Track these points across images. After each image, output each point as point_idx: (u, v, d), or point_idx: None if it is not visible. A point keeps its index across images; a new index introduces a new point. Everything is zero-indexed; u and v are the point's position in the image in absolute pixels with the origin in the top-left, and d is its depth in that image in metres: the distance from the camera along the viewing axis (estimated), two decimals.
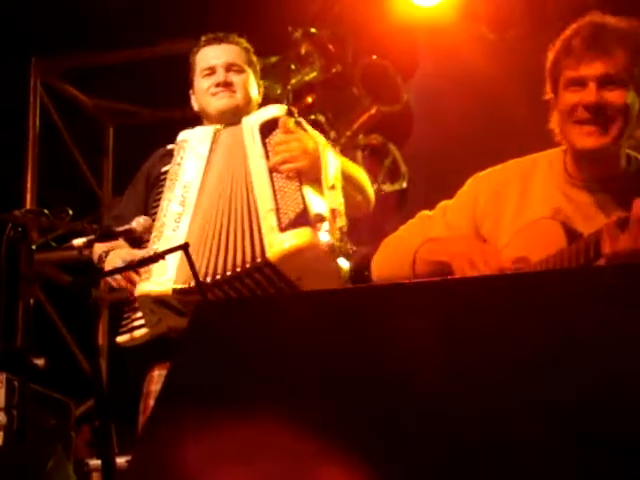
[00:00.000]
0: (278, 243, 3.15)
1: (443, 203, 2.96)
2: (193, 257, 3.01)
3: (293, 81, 6.30)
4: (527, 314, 1.66)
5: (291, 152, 3.31)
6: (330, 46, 6.28)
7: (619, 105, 2.64)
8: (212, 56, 3.63)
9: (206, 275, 3.23)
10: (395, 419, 1.64)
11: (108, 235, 3.36)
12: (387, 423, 1.64)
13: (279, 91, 6.25)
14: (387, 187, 6.37)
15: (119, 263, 3.33)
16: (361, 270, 3.31)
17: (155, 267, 3.24)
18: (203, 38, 3.70)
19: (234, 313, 1.87)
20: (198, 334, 1.84)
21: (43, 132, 6.81)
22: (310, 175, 3.29)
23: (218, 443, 1.69)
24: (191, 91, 3.70)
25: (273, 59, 6.21)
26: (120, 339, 3.39)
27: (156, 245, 3.33)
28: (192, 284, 3.17)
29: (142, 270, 3.28)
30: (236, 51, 3.65)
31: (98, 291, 6.80)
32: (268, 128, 3.43)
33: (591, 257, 2.48)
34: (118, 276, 3.36)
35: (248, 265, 3.19)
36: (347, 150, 6.09)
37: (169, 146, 3.65)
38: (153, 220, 3.38)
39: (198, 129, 3.64)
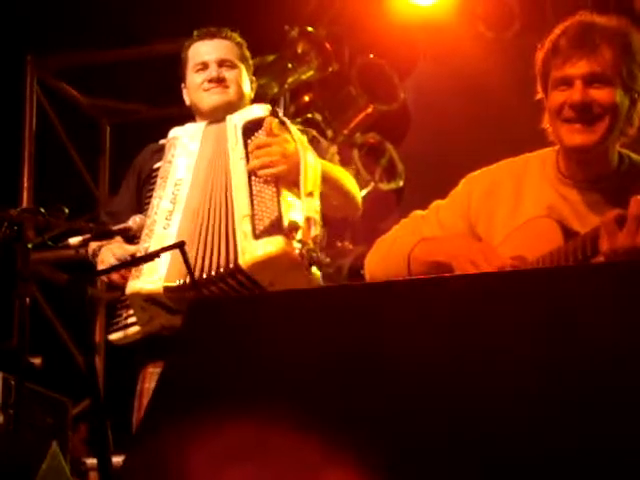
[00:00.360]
0: (251, 250, 3.16)
1: (436, 203, 2.96)
2: (179, 256, 3.01)
3: (290, 80, 6.29)
4: (527, 311, 1.66)
5: (271, 157, 3.29)
6: (327, 45, 6.27)
7: (606, 103, 2.64)
8: (205, 51, 3.62)
9: (186, 275, 3.23)
10: (395, 416, 1.63)
11: (104, 234, 3.36)
12: (387, 421, 1.63)
13: (276, 90, 6.25)
14: (383, 186, 6.37)
15: (111, 258, 3.34)
16: (357, 269, 3.31)
17: (146, 265, 3.24)
18: (195, 33, 3.69)
19: (229, 310, 1.86)
20: (192, 332, 1.84)
21: (39, 131, 6.80)
22: (289, 179, 3.28)
23: (214, 441, 1.68)
24: (183, 85, 3.69)
25: (270, 58, 6.20)
26: (112, 337, 3.40)
27: (147, 243, 3.33)
28: (182, 282, 3.18)
29: (134, 268, 3.28)
30: (229, 46, 3.64)
31: (94, 289, 6.81)
32: (251, 128, 3.42)
33: (588, 254, 2.48)
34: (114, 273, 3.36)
35: (222, 270, 3.20)
36: (344, 149, 6.09)
37: (161, 141, 3.65)
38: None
39: (189, 126, 3.64)
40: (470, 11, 6.19)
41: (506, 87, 5.66)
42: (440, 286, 1.79)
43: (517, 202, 2.80)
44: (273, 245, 3.14)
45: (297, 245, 3.13)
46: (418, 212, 3.01)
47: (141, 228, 3.36)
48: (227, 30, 3.67)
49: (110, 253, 3.38)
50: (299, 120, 6.03)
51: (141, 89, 6.88)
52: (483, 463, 1.57)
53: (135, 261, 3.23)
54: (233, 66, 3.61)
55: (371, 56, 6.40)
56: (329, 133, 6.24)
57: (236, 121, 3.48)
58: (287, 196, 3.25)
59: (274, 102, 6.32)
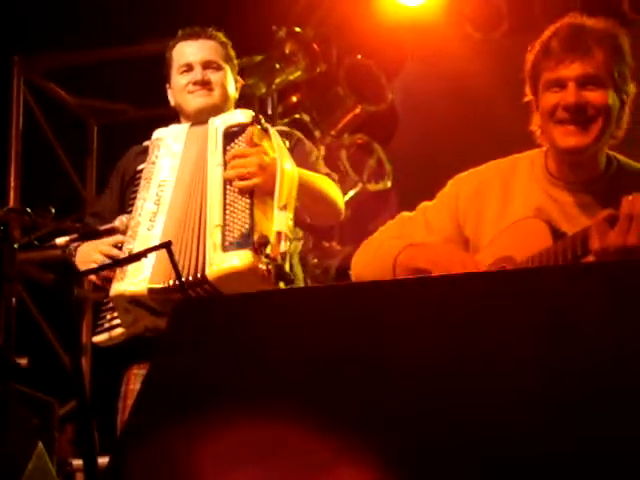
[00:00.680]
0: (217, 263, 3.15)
1: (423, 204, 2.96)
2: (164, 258, 3.00)
3: (278, 80, 6.29)
4: (526, 311, 1.66)
5: (247, 168, 3.27)
6: (315, 45, 6.27)
7: (600, 105, 2.65)
8: (189, 53, 3.60)
9: (170, 277, 3.21)
10: (394, 416, 1.63)
11: (91, 234, 3.35)
12: (386, 421, 1.63)
13: (264, 90, 6.25)
14: (371, 186, 6.37)
15: (94, 255, 3.32)
16: (345, 269, 3.31)
17: (130, 266, 3.23)
18: (180, 32, 3.67)
19: (214, 311, 1.86)
20: (178, 332, 1.83)
21: (26, 131, 6.78)
22: (265, 189, 3.26)
23: (202, 442, 1.68)
24: (167, 85, 3.68)
25: (258, 58, 6.20)
26: (97, 339, 3.38)
27: (131, 245, 3.31)
28: (167, 284, 3.17)
29: (118, 270, 3.26)
30: (213, 47, 3.62)
31: (81, 290, 6.79)
32: (232, 134, 3.40)
33: (578, 254, 2.48)
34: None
35: (191, 278, 3.18)
36: (332, 149, 6.09)
37: (144, 143, 3.63)
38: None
39: (173, 127, 3.62)
40: (458, 12, 6.19)
41: (494, 88, 5.67)
42: (440, 286, 1.79)
43: (505, 203, 2.80)
44: (240, 259, 3.12)
45: (265, 260, 3.12)
46: (405, 213, 3.01)
47: (127, 228, 3.35)
48: (212, 29, 3.65)
49: (90, 249, 3.36)
50: (286, 121, 6.03)
51: (129, 89, 6.86)
52: (483, 463, 1.57)
53: (121, 262, 3.22)
54: (218, 68, 3.59)
55: (359, 57, 6.39)
56: (317, 134, 6.23)
57: (218, 124, 3.46)
58: (260, 208, 3.24)
59: (262, 102, 6.32)
